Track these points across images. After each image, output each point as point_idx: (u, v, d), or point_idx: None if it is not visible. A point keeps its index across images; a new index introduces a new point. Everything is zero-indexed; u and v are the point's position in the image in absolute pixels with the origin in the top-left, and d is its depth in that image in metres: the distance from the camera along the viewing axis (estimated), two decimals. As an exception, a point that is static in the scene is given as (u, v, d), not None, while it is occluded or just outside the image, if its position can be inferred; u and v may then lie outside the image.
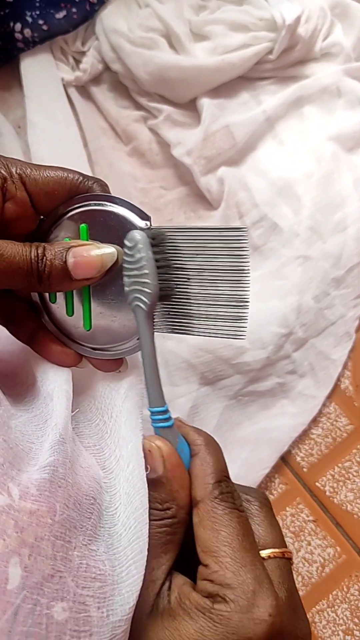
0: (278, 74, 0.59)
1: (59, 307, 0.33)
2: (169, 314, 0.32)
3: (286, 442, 0.52)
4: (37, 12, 0.56)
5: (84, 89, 0.61)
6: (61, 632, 0.23)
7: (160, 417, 0.32)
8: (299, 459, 0.53)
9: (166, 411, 0.32)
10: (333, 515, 0.51)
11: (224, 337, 0.31)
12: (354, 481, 0.52)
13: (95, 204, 0.32)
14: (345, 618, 0.49)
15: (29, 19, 0.56)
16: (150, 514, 0.29)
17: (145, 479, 0.30)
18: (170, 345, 0.52)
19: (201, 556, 0.28)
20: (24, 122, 0.59)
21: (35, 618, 0.23)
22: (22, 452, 0.28)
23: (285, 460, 0.53)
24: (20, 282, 0.30)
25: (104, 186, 0.32)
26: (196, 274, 0.31)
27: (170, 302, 0.32)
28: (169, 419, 0.32)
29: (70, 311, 0.33)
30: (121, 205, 0.31)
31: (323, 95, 0.58)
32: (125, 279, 0.31)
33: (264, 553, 0.29)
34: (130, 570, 0.27)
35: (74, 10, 0.57)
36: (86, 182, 0.31)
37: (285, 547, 0.30)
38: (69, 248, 0.30)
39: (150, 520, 0.29)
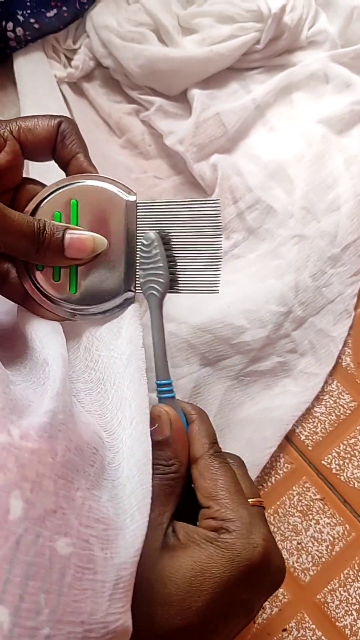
0: (266, 63, 0.60)
1: (44, 273, 0.36)
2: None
3: (289, 421, 0.51)
4: (28, 11, 0.57)
5: (76, 86, 0.62)
6: (65, 566, 0.23)
7: (166, 389, 0.37)
8: (303, 437, 0.52)
9: (171, 384, 0.37)
10: (340, 493, 0.50)
11: (202, 293, 0.36)
12: (360, 458, 0.51)
13: (82, 182, 0.36)
14: (358, 597, 0.47)
15: (21, 18, 0.57)
16: (157, 469, 0.32)
17: (148, 433, 0.31)
18: (171, 327, 0.51)
19: (203, 502, 0.33)
20: (19, 120, 0.60)
21: (38, 549, 0.22)
22: (22, 405, 0.28)
23: (289, 439, 0.52)
24: (21, 248, 0.33)
25: (72, 123, 0.35)
26: (180, 241, 0.36)
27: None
28: (172, 391, 0.37)
29: (57, 277, 0.36)
30: (106, 182, 0.36)
31: (311, 81, 0.59)
32: (140, 272, 0.36)
33: None
34: (134, 517, 0.27)
35: (64, 8, 0.59)
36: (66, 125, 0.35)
37: (260, 497, 0.35)
38: (66, 228, 0.34)
39: (157, 474, 0.32)
